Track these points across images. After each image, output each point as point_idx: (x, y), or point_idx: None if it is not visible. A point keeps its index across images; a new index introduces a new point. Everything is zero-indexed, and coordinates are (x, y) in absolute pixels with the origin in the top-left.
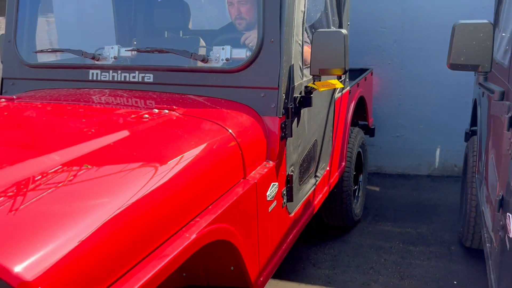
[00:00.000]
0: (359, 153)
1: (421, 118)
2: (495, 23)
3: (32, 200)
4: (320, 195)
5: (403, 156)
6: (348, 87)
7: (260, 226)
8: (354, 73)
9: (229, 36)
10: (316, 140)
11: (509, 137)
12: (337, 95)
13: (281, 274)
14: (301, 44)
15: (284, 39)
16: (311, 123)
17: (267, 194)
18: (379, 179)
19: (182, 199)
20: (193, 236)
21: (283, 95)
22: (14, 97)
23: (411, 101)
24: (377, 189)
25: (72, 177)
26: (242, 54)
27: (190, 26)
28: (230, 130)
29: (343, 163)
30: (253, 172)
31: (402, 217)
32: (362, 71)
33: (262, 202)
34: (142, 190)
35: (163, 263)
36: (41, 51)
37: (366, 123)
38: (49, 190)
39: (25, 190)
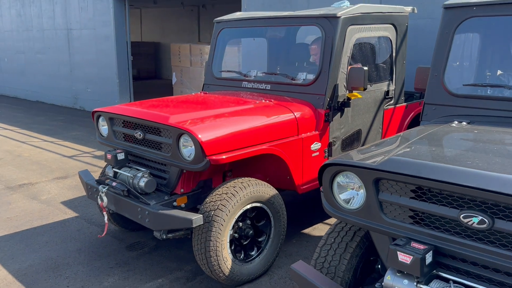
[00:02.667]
0: None
1: None
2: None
3: (225, 119)
4: None
5: None
6: (405, 103)
7: (304, 161)
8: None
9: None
10: (360, 129)
11: None
12: (387, 106)
13: None
14: (346, 73)
15: (331, 71)
16: (355, 118)
17: (311, 146)
18: None
19: (266, 132)
20: (265, 146)
21: (328, 99)
22: (207, 92)
23: None
24: None
25: (233, 114)
26: (310, 77)
27: (310, 60)
28: (294, 113)
29: None
30: (303, 134)
31: None
32: None
33: (307, 150)
34: (258, 122)
35: (256, 149)
36: (222, 71)
37: None
38: (231, 116)
39: (208, 117)
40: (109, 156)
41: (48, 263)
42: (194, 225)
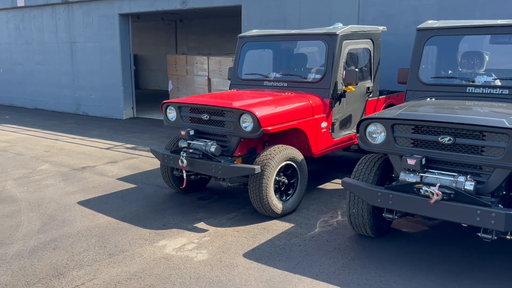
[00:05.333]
0: None
1: None
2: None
3: (267, 104)
4: (352, 140)
5: None
6: (378, 97)
7: (317, 134)
8: (394, 93)
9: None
10: (351, 114)
11: None
12: (368, 98)
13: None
14: (342, 73)
15: (333, 73)
16: (348, 106)
17: (321, 124)
18: None
19: (294, 113)
20: (295, 122)
21: (331, 91)
22: (239, 89)
23: None
24: None
25: (272, 101)
26: (318, 76)
27: (307, 66)
28: (310, 101)
29: None
30: (316, 115)
31: None
32: (398, 92)
33: (319, 126)
34: (289, 106)
35: (290, 124)
36: (246, 74)
37: None
38: (271, 102)
39: (258, 103)
40: (183, 133)
41: (148, 208)
42: (255, 172)
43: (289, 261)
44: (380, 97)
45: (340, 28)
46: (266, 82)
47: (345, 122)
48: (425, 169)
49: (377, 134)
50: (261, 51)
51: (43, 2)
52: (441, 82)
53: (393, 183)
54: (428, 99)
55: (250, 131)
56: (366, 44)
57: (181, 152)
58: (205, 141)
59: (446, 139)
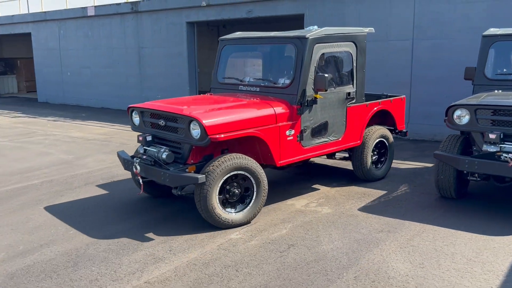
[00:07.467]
0: (382, 141)
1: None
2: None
3: (222, 111)
4: (329, 149)
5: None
6: (365, 102)
7: (281, 143)
8: (389, 97)
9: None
10: (327, 121)
11: None
12: (350, 104)
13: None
14: (313, 78)
15: (301, 78)
16: (323, 112)
17: (286, 132)
18: None
19: (252, 121)
20: (251, 130)
21: (299, 98)
22: (213, 94)
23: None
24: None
25: (229, 108)
26: (287, 81)
27: (280, 70)
28: (274, 108)
29: (359, 141)
30: (280, 123)
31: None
32: (393, 96)
33: (283, 134)
34: (246, 114)
35: (244, 132)
36: (224, 78)
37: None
38: (227, 109)
39: (209, 110)
40: (140, 138)
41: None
42: (199, 182)
43: (395, 213)
44: (368, 103)
45: (311, 31)
46: (241, 86)
47: (319, 130)
48: (502, 142)
49: (462, 117)
50: (241, 53)
51: (112, 11)
52: (503, 78)
53: (475, 154)
54: (496, 91)
55: (198, 139)
56: (346, 47)
57: (135, 158)
58: (159, 148)
59: None
